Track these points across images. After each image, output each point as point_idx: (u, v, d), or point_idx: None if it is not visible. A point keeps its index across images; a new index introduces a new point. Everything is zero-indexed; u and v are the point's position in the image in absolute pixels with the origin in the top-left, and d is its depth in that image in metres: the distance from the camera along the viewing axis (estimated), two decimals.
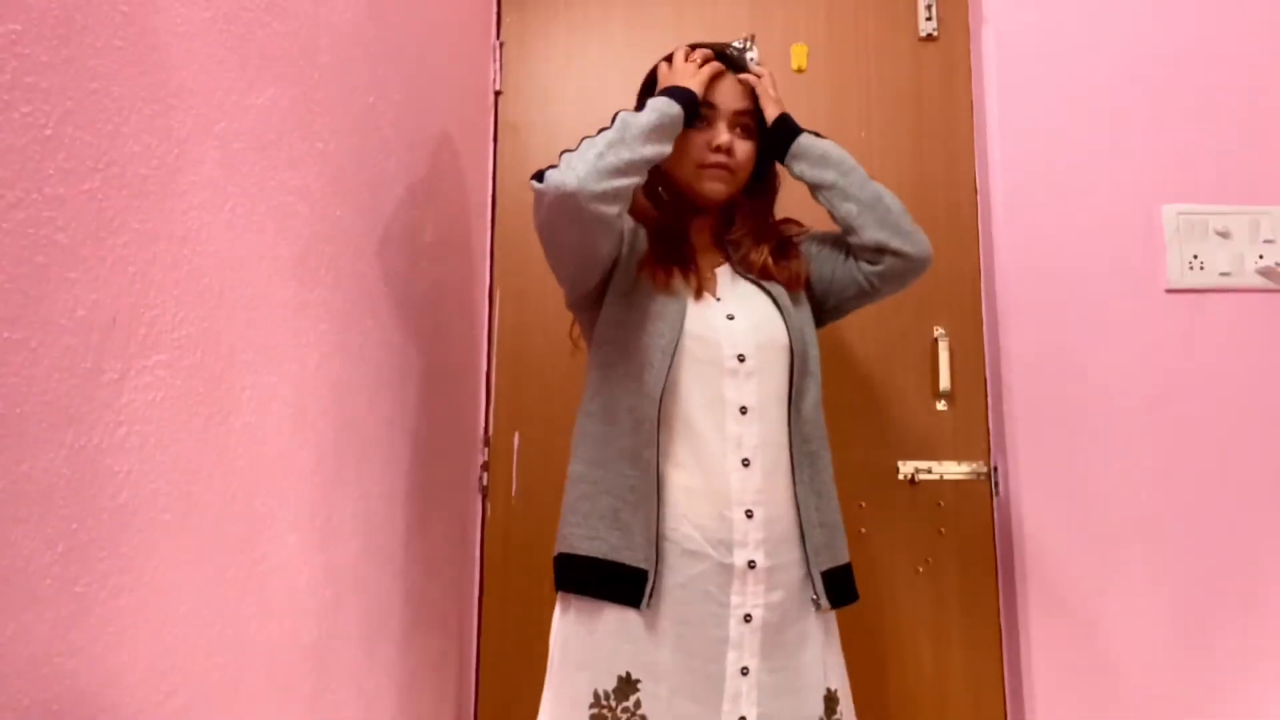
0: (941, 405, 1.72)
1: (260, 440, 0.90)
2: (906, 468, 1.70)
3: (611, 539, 1.18)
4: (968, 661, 1.68)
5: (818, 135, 1.31)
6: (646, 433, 1.18)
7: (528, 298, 1.80)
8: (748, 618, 1.17)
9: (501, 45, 1.87)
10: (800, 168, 1.30)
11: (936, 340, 1.71)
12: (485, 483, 1.76)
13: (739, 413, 1.21)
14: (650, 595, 1.15)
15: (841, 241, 1.34)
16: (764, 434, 1.21)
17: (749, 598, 1.17)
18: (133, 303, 0.70)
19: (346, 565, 1.11)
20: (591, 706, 1.14)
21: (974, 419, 1.71)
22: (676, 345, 1.20)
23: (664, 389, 1.19)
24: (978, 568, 1.70)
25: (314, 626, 1.02)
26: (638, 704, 1.14)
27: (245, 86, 0.87)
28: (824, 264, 1.36)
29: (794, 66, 1.82)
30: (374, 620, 1.21)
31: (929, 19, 1.83)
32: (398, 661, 1.31)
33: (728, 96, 1.29)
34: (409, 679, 1.36)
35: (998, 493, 1.70)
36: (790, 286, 1.31)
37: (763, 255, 1.32)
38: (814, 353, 1.32)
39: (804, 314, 1.32)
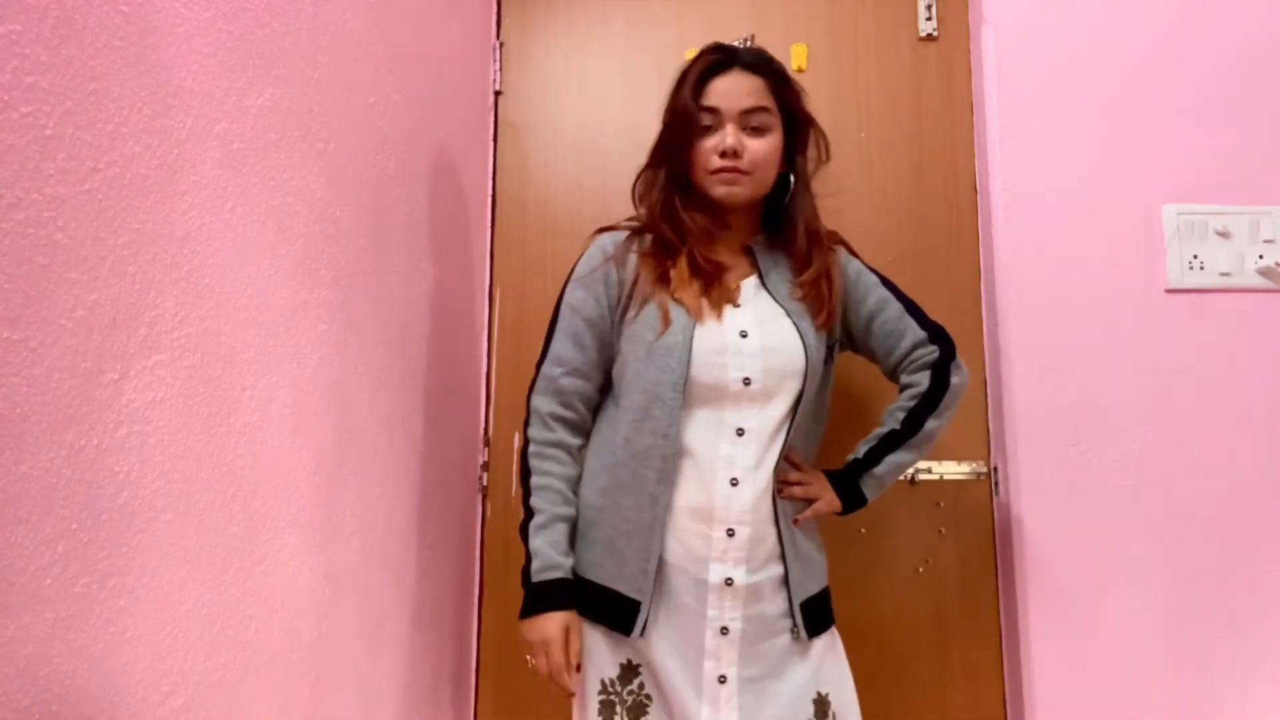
0: None
1: (260, 440, 0.90)
2: None
3: (609, 566, 1.22)
4: (968, 661, 1.68)
5: (877, 473, 1.33)
6: (655, 467, 1.19)
7: (528, 298, 1.80)
8: (724, 630, 1.19)
9: (501, 45, 1.87)
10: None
11: None
12: (485, 483, 1.76)
13: (735, 434, 1.21)
14: (645, 626, 1.19)
15: (885, 334, 1.35)
16: (760, 456, 1.21)
17: (725, 612, 1.19)
18: (133, 303, 0.70)
19: (346, 565, 1.11)
20: (600, 694, 1.20)
21: (974, 419, 1.71)
22: (687, 379, 1.19)
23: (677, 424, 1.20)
24: (978, 568, 1.70)
25: (314, 626, 1.02)
26: (641, 685, 1.21)
27: (245, 86, 0.87)
28: (857, 326, 1.36)
29: (794, 66, 1.82)
30: (374, 620, 1.21)
31: (929, 19, 1.83)
32: (398, 661, 1.31)
33: (731, 97, 1.22)
34: (409, 679, 1.36)
35: (998, 493, 1.70)
36: (820, 320, 1.27)
37: (790, 280, 1.29)
38: (828, 387, 1.33)
39: (822, 341, 1.28)
